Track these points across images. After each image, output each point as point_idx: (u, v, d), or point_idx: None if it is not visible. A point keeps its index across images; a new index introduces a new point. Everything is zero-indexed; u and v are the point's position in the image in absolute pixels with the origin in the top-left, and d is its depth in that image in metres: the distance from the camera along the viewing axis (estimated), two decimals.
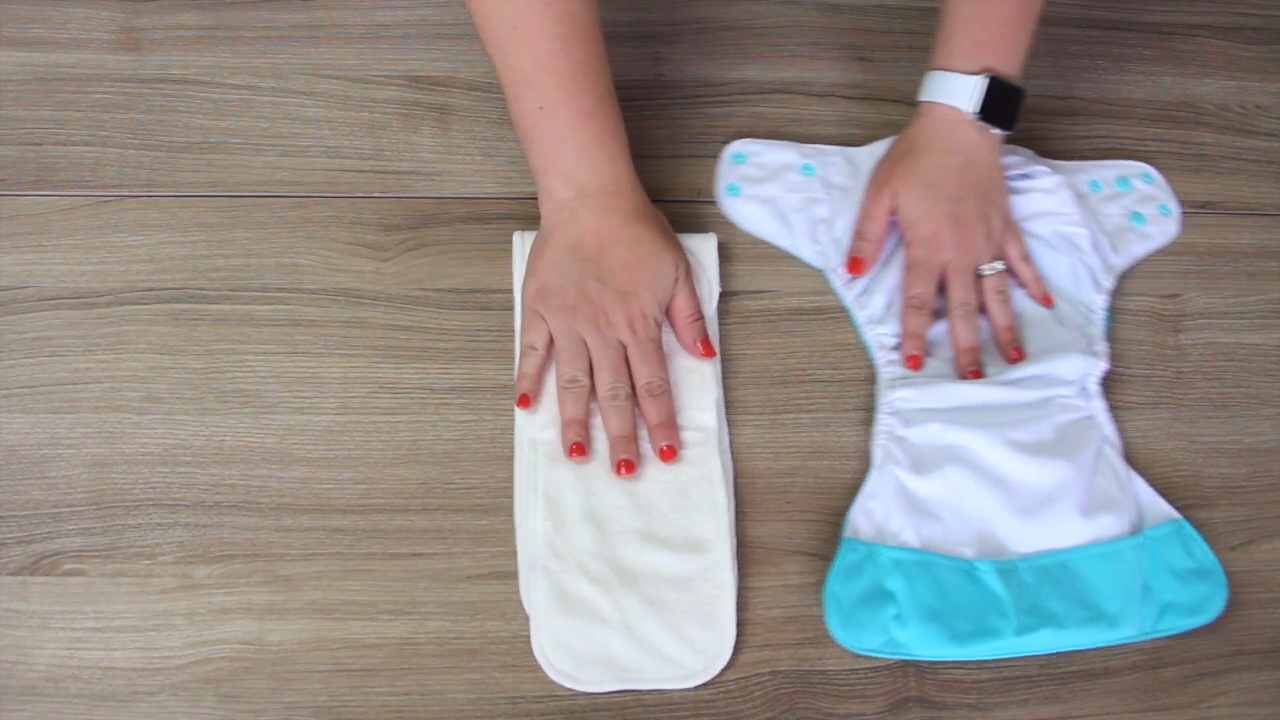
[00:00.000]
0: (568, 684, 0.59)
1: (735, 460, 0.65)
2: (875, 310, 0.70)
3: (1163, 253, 0.75)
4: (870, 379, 0.69)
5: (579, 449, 0.62)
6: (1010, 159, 0.73)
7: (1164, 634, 0.63)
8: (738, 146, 0.74)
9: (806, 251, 0.72)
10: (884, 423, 0.66)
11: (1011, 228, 0.71)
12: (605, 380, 0.63)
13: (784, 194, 0.73)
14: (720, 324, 0.69)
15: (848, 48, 0.79)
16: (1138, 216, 0.75)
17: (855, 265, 0.70)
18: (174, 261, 0.68)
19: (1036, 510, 0.64)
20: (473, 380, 0.66)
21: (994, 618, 0.62)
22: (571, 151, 0.63)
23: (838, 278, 0.71)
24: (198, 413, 0.64)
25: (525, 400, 0.63)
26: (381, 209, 0.70)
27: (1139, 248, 0.74)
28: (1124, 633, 0.62)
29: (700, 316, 0.66)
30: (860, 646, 0.61)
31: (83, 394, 0.64)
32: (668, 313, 0.66)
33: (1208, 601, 0.63)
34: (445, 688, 0.59)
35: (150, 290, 0.67)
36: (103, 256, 0.67)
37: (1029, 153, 0.75)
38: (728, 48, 0.78)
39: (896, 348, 0.68)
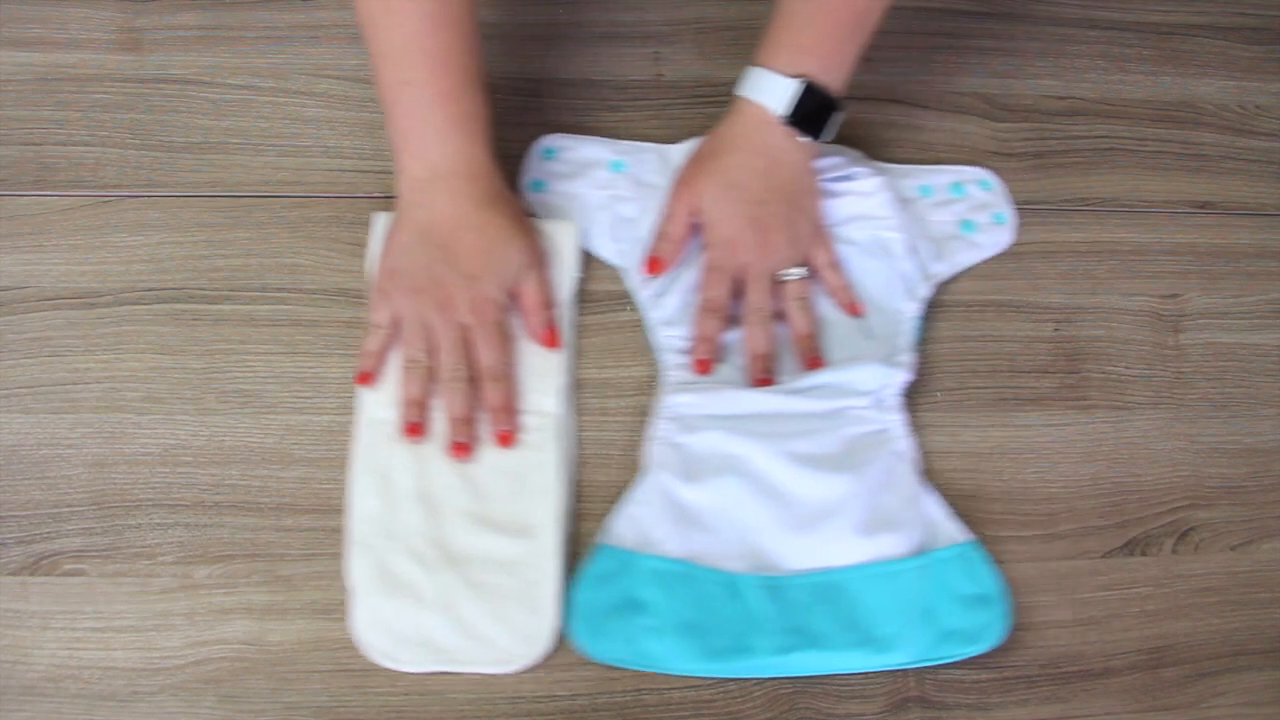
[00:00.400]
0: (386, 663, 0.59)
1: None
2: (668, 312, 0.67)
3: (1162, 253, 0.75)
4: None
5: (415, 429, 0.62)
6: (830, 160, 0.71)
7: (940, 661, 0.61)
8: (548, 141, 0.72)
9: (607, 250, 0.70)
10: (660, 427, 0.64)
11: (820, 234, 0.69)
12: (446, 362, 0.63)
13: (588, 191, 0.71)
14: None
15: None
16: (968, 224, 0.73)
17: (653, 265, 0.67)
18: (174, 261, 0.68)
19: (812, 526, 0.62)
20: None
21: (753, 635, 0.60)
22: (429, 131, 0.63)
23: (634, 277, 0.69)
24: (198, 413, 0.64)
25: (365, 378, 0.64)
26: (381, 209, 0.70)
27: (965, 256, 0.72)
28: (897, 658, 0.60)
29: (549, 305, 0.66)
30: (605, 656, 0.59)
31: (83, 394, 0.64)
32: (518, 300, 0.65)
33: (986, 630, 0.61)
34: (445, 688, 0.59)
35: (150, 290, 0.67)
36: (103, 256, 0.67)
37: (856, 154, 0.73)
38: (728, 48, 0.78)
39: (687, 351, 0.67)
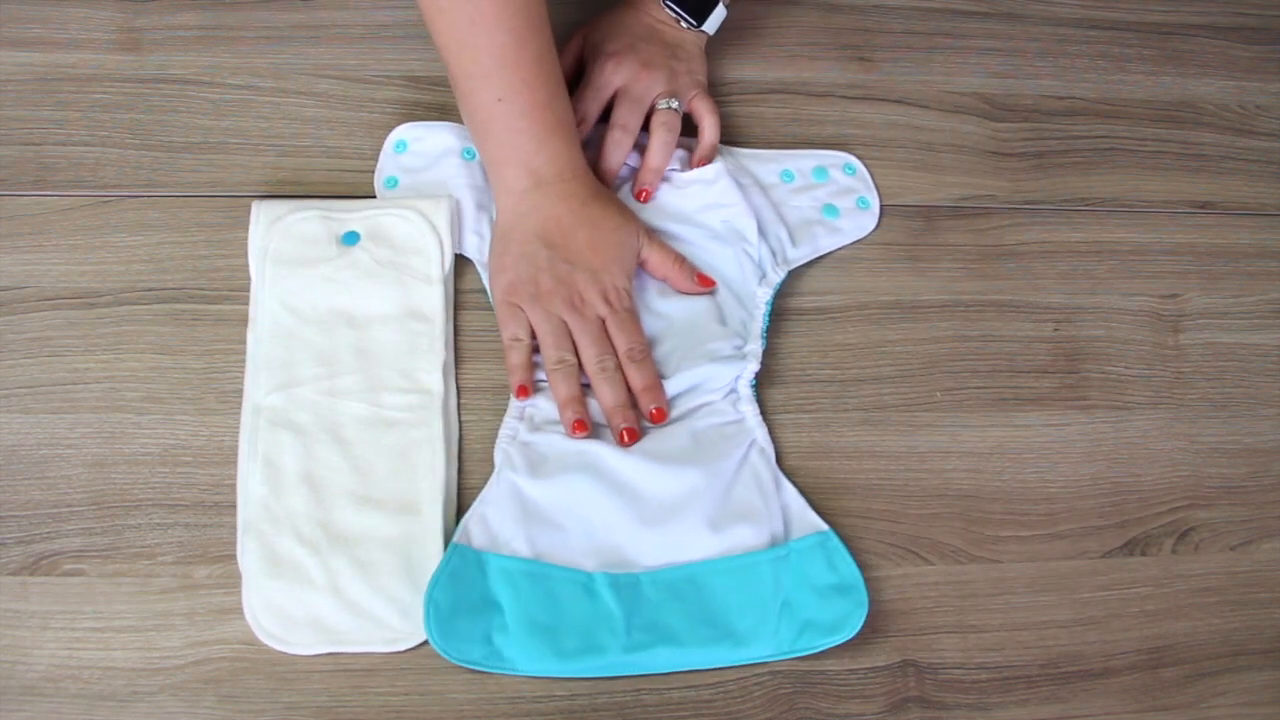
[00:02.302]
0: (277, 647, 0.58)
1: None
2: None
3: (1162, 253, 0.75)
4: (874, 379, 0.69)
5: (580, 425, 0.63)
6: (679, 152, 0.71)
7: (800, 654, 0.59)
8: (400, 133, 0.71)
9: (469, 243, 0.68)
10: (508, 426, 0.64)
11: (703, 89, 0.72)
12: (591, 355, 0.64)
13: (443, 183, 0.69)
14: None
15: (847, 48, 0.79)
16: (830, 209, 0.72)
17: None
18: (174, 261, 0.68)
19: (663, 521, 0.61)
20: (473, 380, 0.66)
21: (604, 634, 0.59)
22: (529, 141, 0.64)
23: (485, 276, 0.68)
24: (198, 413, 0.64)
25: (524, 391, 0.64)
26: None
27: (826, 241, 0.71)
28: (755, 652, 0.59)
29: (680, 258, 0.68)
30: (459, 658, 0.58)
31: (83, 394, 0.64)
32: (651, 271, 0.68)
33: (846, 619, 0.59)
34: (445, 688, 0.59)
35: (150, 290, 0.67)
36: (103, 256, 0.67)
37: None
38: (728, 48, 0.78)
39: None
